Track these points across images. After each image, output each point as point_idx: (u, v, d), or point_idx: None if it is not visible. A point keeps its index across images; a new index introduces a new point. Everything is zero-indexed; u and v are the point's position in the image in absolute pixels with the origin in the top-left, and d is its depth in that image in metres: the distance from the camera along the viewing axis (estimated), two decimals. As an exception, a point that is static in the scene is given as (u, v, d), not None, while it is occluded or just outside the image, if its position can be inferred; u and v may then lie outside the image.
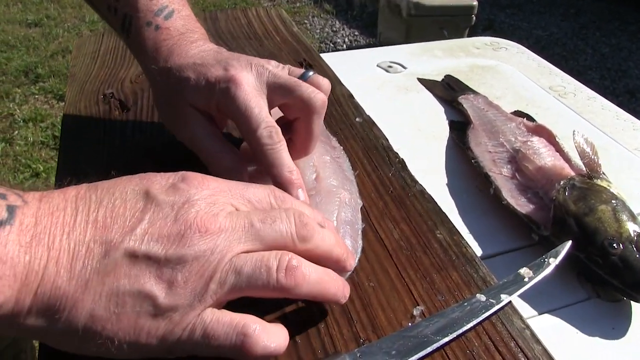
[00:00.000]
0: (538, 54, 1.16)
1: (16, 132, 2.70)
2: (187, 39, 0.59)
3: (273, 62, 0.57)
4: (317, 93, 0.54)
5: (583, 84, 1.04)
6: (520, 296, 0.58)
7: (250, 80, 0.53)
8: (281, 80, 0.54)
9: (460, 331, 0.43)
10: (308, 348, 0.42)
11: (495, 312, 0.45)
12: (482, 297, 0.45)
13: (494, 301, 0.44)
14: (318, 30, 4.16)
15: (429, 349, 0.41)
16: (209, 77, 0.54)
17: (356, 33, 4.11)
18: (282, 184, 0.50)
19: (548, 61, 1.13)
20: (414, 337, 0.41)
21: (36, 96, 3.04)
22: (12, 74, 3.24)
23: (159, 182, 0.41)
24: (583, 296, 0.60)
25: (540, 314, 0.58)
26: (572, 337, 0.55)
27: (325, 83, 0.57)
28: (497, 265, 0.63)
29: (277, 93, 0.54)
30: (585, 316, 0.58)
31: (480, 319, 0.44)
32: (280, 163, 0.51)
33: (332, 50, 3.89)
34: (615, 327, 0.57)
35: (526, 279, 0.45)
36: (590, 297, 0.60)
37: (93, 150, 0.65)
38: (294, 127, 0.56)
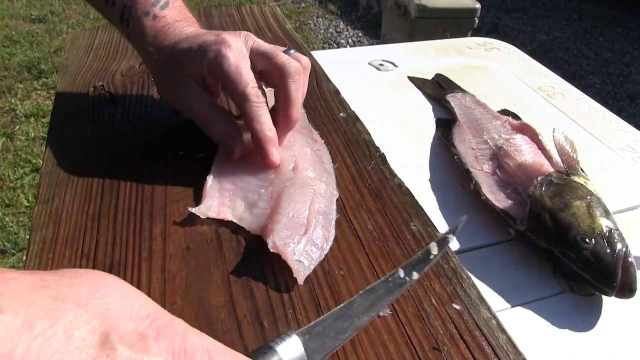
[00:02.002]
0: (541, 58, 1.17)
1: (17, 127, 2.71)
2: (182, 25, 0.64)
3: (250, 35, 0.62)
4: (292, 61, 0.59)
5: (585, 88, 1.05)
6: (494, 289, 0.60)
7: (239, 44, 0.58)
8: (263, 47, 0.60)
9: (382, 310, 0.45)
10: (275, 333, 0.43)
11: (407, 287, 0.46)
12: (401, 273, 0.45)
13: (408, 278, 0.44)
14: (322, 31, 4.17)
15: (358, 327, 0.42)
16: (200, 42, 0.58)
17: (360, 34, 4.12)
18: (261, 139, 0.57)
19: (551, 65, 1.14)
20: (349, 317, 0.42)
21: (38, 92, 3.06)
22: (15, 69, 3.26)
23: (124, 325, 0.29)
24: (556, 290, 0.61)
25: (513, 306, 0.59)
26: (543, 330, 0.56)
27: (305, 59, 0.62)
28: (474, 259, 0.64)
29: (258, 59, 0.59)
30: (558, 309, 0.58)
31: (398, 294, 0.45)
32: (262, 120, 0.57)
33: (335, 50, 3.89)
34: (586, 320, 0.57)
35: (431, 256, 0.46)
36: (564, 291, 0.61)
37: (80, 140, 0.66)
38: (275, 96, 0.61)
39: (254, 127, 0.57)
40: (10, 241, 2.03)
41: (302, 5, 4.62)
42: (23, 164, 2.45)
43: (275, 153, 0.57)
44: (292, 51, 0.63)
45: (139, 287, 0.46)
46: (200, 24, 0.68)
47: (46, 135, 2.30)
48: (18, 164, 2.46)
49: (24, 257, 1.97)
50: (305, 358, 0.37)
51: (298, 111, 0.60)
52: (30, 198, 2.24)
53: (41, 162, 2.05)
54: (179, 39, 0.61)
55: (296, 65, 0.59)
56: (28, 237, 1.72)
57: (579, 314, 0.58)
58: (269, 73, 0.60)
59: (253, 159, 0.59)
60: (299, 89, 0.60)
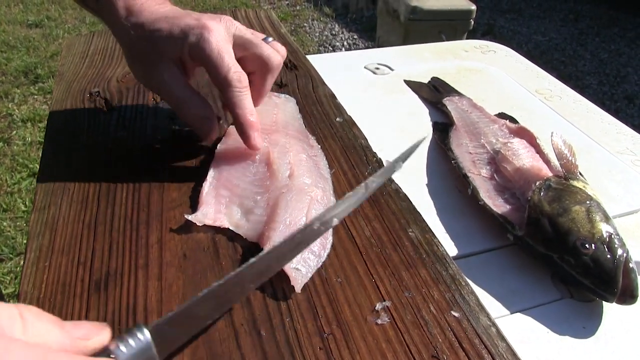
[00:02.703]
0: (537, 59, 1.17)
1: (14, 132, 2.71)
2: (156, 1, 0.62)
3: (232, 20, 0.62)
4: (276, 54, 0.60)
5: (582, 89, 1.05)
6: (493, 295, 0.59)
7: (221, 29, 0.58)
8: (246, 35, 0.61)
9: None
10: (272, 341, 0.43)
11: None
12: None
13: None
14: (317, 34, 4.17)
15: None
16: (182, 25, 0.57)
17: (355, 37, 4.12)
18: (243, 124, 0.58)
19: (547, 66, 1.14)
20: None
21: (35, 96, 3.06)
22: (12, 74, 3.25)
23: None
24: (556, 296, 0.61)
25: (512, 313, 0.58)
26: (543, 336, 0.56)
27: (283, 49, 0.64)
28: (472, 265, 0.63)
29: (240, 46, 0.60)
30: (557, 316, 0.58)
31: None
32: (244, 105, 0.57)
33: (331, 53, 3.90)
34: (586, 327, 0.57)
35: (361, 191, 0.46)
36: (563, 297, 0.60)
37: (76, 147, 0.66)
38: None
39: (236, 112, 0.57)
40: (8, 246, 2.03)
41: (297, 8, 4.62)
42: (20, 168, 2.45)
43: (257, 137, 0.58)
44: (270, 39, 0.64)
45: (135, 295, 0.46)
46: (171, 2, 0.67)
47: (43, 140, 2.30)
48: (15, 168, 2.45)
49: (22, 262, 1.97)
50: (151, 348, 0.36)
51: (263, 100, 0.64)
52: (27, 203, 2.23)
53: (38, 167, 2.04)
54: (156, 17, 0.60)
55: (279, 60, 0.60)
56: (25, 242, 1.71)
57: (579, 320, 0.58)
58: (249, 61, 0.61)
59: (249, 165, 0.59)
60: (273, 82, 0.62)
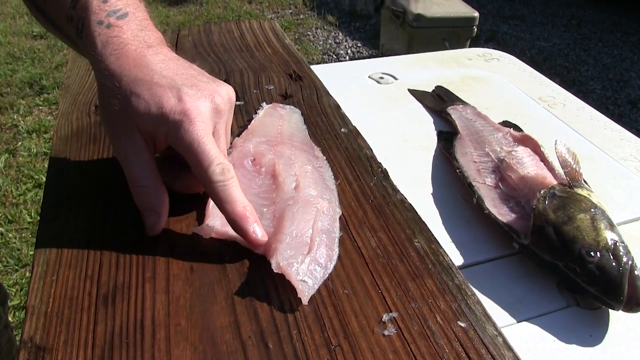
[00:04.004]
0: (540, 65, 1.18)
1: (20, 143, 2.72)
2: (142, 42, 0.56)
3: (232, 99, 0.57)
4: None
5: (585, 94, 1.06)
6: (499, 304, 0.59)
7: (205, 114, 0.53)
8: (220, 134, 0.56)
9: None
10: (279, 353, 0.43)
11: None
12: None
13: None
14: (321, 42, 4.18)
15: None
16: (163, 105, 0.51)
17: (359, 44, 4.14)
18: (235, 220, 0.51)
19: (550, 72, 1.15)
20: None
21: (40, 107, 3.07)
22: (17, 86, 3.27)
23: None
24: (562, 304, 0.61)
25: (518, 322, 0.58)
26: (550, 345, 0.56)
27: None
28: (477, 274, 0.63)
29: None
30: (564, 324, 0.58)
31: None
32: (232, 199, 0.51)
33: (335, 62, 3.92)
34: (593, 335, 0.57)
35: None
36: (569, 305, 0.61)
37: (82, 160, 0.66)
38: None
39: (225, 208, 0.51)
40: (14, 257, 2.04)
41: (301, 17, 4.64)
42: (25, 179, 2.46)
43: (257, 230, 0.51)
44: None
45: (143, 308, 0.46)
46: (168, 44, 0.60)
47: (48, 151, 2.31)
48: (21, 179, 2.46)
49: (27, 274, 1.97)
50: None
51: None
52: (33, 214, 2.24)
53: (43, 178, 2.04)
54: (139, 75, 0.53)
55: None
56: (31, 253, 1.73)
57: (586, 328, 0.58)
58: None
59: (255, 177, 0.59)
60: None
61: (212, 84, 0.56)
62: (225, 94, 0.56)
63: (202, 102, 0.53)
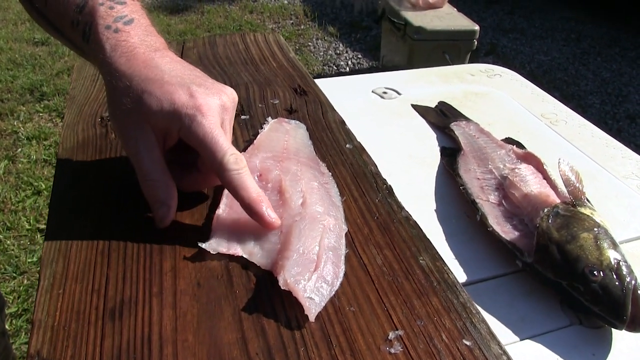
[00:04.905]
0: (540, 79, 1.19)
1: (19, 149, 2.72)
2: (149, 46, 0.59)
3: (235, 99, 0.60)
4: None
5: (584, 108, 1.06)
6: (502, 322, 0.60)
7: (214, 109, 0.55)
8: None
9: None
10: (287, 371, 0.43)
11: None
12: None
13: None
14: (322, 53, 4.20)
15: None
16: (175, 100, 0.54)
17: (359, 56, 4.15)
18: (251, 205, 0.54)
19: (550, 86, 1.16)
20: None
21: (40, 114, 3.08)
22: (18, 92, 3.27)
23: None
24: (565, 322, 0.61)
25: (522, 339, 0.59)
26: (553, 364, 0.56)
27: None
28: (481, 292, 0.64)
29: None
30: (567, 342, 0.58)
31: None
32: (247, 186, 0.54)
33: (335, 73, 3.93)
34: (596, 354, 0.57)
35: None
36: (573, 324, 0.61)
37: (88, 172, 0.67)
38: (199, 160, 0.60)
39: (240, 195, 0.54)
40: (12, 264, 2.03)
41: (302, 27, 4.65)
42: (25, 186, 2.46)
43: (271, 213, 0.54)
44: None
45: (150, 324, 0.47)
46: (170, 46, 0.63)
47: (48, 158, 2.31)
48: (20, 186, 2.46)
49: (25, 281, 1.97)
50: None
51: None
52: (31, 221, 2.24)
53: (43, 185, 2.04)
54: (150, 74, 0.55)
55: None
56: (29, 260, 1.72)
57: (589, 347, 0.58)
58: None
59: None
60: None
61: (217, 84, 0.59)
62: (230, 93, 0.59)
63: (211, 99, 0.56)
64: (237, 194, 0.54)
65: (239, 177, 0.54)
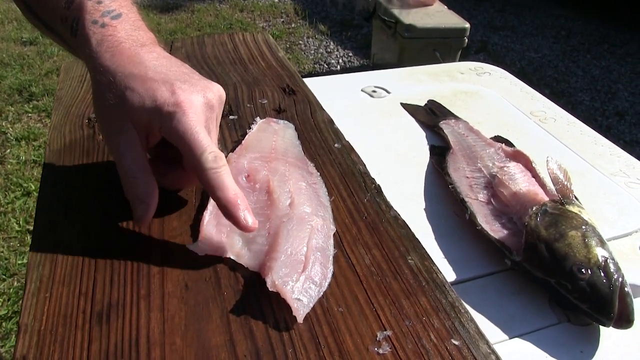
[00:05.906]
0: (530, 76, 1.19)
1: (8, 150, 2.70)
2: (136, 41, 0.58)
3: (222, 96, 0.58)
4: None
5: (574, 105, 1.07)
6: (491, 320, 0.60)
7: (197, 107, 0.54)
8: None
9: None
10: (275, 373, 0.43)
11: None
12: None
13: None
14: (312, 51, 4.19)
15: None
16: (156, 97, 0.53)
17: (350, 54, 4.15)
18: (227, 207, 0.52)
19: (540, 83, 1.16)
20: None
21: (29, 115, 3.05)
22: (6, 92, 3.25)
23: None
24: (553, 320, 0.61)
25: (510, 338, 0.59)
26: (541, 362, 0.56)
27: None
28: (470, 290, 0.64)
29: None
30: (555, 340, 0.59)
31: None
32: (224, 186, 0.52)
33: (326, 71, 3.92)
34: (584, 351, 0.58)
35: None
36: (561, 322, 0.61)
37: (75, 174, 0.66)
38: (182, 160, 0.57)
39: (215, 195, 0.52)
40: (1, 267, 2.02)
41: (293, 25, 4.64)
42: (14, 187, 2.44)
43: (247, 216, 0.52)
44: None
45: (138, 327, 0.46)
46: (159, 42, 0.62)
47: (37, 159, 2.29)
48: (9, 187, 2.44)
49: (15, 283, 1.96)
50: None
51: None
52: (21, 222, 2.23)
53: (32, 186, 2.02)
54: (133, 70, 0.55)
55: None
56: (19, 262, 1.70)
57: (577, 344, 0.58)
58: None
59: (249, 194, 0.59)
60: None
61: (204, 81, 0.58)
62: (216, 90, 0.58)
63: (194, 96, 0.54)
64: (213, 194, 0.52)
65: (216, 176, 0.52)
